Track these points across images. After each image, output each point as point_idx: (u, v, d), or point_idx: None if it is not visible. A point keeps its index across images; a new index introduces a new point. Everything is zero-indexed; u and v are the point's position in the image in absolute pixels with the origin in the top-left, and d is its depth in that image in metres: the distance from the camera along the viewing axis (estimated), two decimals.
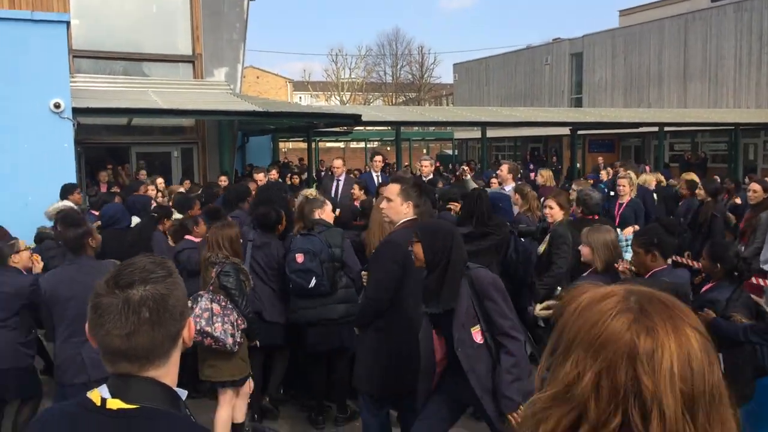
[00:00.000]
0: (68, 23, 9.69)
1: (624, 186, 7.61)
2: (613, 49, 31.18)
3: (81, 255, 4.41)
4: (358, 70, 57.62)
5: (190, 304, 4.31)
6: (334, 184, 9.34)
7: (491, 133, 25.03)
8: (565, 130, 21.58)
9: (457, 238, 3.63)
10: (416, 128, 30.54)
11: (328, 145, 42.18)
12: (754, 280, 6.56)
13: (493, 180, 9.61)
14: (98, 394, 1.45)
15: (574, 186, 8.63)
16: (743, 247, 6.84)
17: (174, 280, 1.51)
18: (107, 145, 13.84)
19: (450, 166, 26.04)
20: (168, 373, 1.50)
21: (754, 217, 6.81)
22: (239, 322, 4.71)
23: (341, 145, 42.73)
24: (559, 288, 5.40)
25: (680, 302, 1.07)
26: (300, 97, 63.31)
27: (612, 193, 8.75)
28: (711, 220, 7.19)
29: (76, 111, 9.46)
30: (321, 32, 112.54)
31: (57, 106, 9.10)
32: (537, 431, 1.03)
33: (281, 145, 29.81)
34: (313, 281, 5.01)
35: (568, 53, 33.88)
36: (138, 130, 13.76)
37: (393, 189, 4.28)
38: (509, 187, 7.83)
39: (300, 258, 5.00)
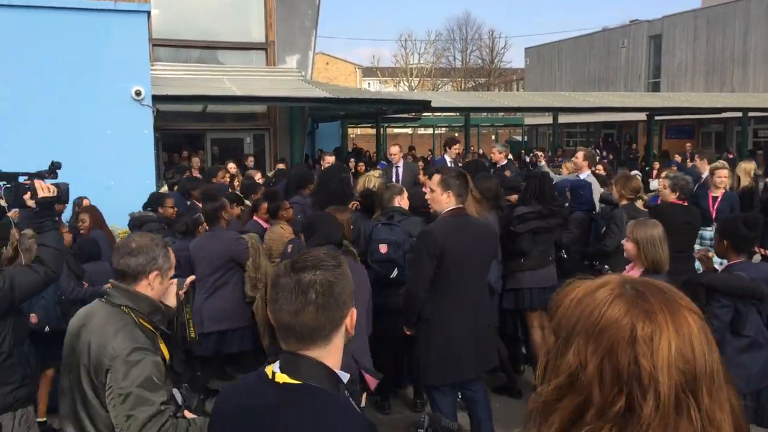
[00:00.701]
0: (149, 13, 10.03)
1: (723, 177, 7.09)
2: (695, 31, 29.84)
3: (215, 225, 5.40)
4: (427, 55, 57.44)
5: None
6: (393, 171, 9.16)
7: (563, 119, 24.45)
8: (641, 116, 20.86)
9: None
10: (485, 114, 30.17)
11: (396, 131, 42.22)
12: None
13: (565, 166, 9.37)
14: (271, 368, 1.66)
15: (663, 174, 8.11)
16: None
17: (342, 271, 1.67)
18: (183, 132, 14.30)
19: (519, 153, 25.61)
20: (330, 355, 1.65)
21: None
22: None
23: (409, 131, 42.70)
24: (606, 267, 5.43)
25: (675, 288, 1.08)
26: (369, 83, 63.53)
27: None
28: None
29: (156, 98, 9.80)
30: (390, 17, 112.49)
31: (138, 93, 9.45)
32: (545, 422, 1.04)
33: (350, 131, 30.06)
34: (396, 272, 5.00)
35: (646, 35, 32.65)
36: (212, 116, 14.15)
37: (434, 179, 4.32)
38: (585, 175, 7.57)
39: (384, 249, 4.97)
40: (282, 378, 1.61)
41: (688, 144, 20.17)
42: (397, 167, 9.23)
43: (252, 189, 7.82)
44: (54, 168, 3.53)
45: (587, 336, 1.03)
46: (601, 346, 1.01)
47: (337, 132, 18.40)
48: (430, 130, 40.68)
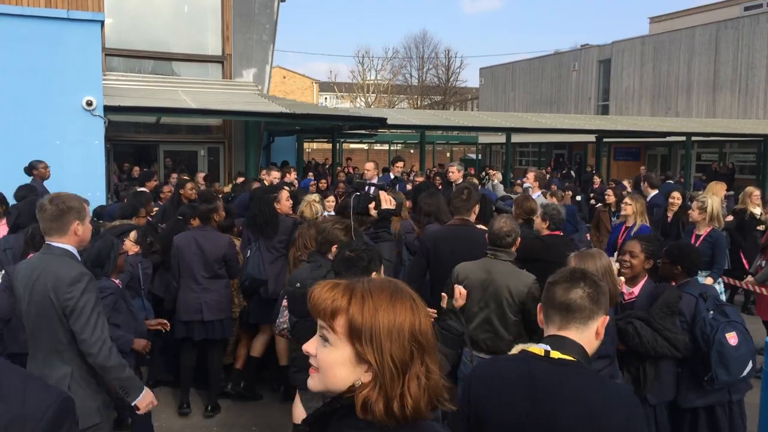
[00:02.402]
0: (102, 22, 9.90)
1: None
2: (642, 57, 30.90)
3: (206, 225, 5.79)
4: (384, 72, 57.83)
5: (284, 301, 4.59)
6: (366, 187, 9.32)
7: (516, 138, 24.97)
8: (591, 138, 21.46)
9: None
10: (440, 132, 30.57)
11: (353, 146, 42.35)
12: (765, 291, 6.52)
13: (518, 184, 9.60)
14: (538, 349, 2.12)
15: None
16: (764, 262, 6.79)
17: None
18: (136, 143, 14.09)
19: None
20: (586, 339, 2.14)
21: None
22: None
23: (365, 146, 42.86)
24: None
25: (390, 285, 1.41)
26: (325, 98, 63.63)
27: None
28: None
29: (108, 109, 9.65)
30: (349, 33, 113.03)
31: (89, 103, 9.30)
32: None
33: (306, 145, 30.04)
34: None
35: (596, 60, 33.65)
36: (166, 128, 13.98)
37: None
38: (535, 195, 7.79)
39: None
40: (556, 354, 2.09)
41: (643, 167, 20.83)
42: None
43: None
44: (382, 186, 4.08)
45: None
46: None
47: (293, 146, 18.38)
48: (386, 146, 40.93)
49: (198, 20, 14.27)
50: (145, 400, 3.38)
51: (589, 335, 2.14)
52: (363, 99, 55.55)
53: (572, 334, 2.12)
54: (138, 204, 6.64)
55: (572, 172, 26.03)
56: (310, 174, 15.51)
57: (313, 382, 1.39)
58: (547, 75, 36.40)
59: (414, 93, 56.89)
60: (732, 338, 3.89)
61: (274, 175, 8.73)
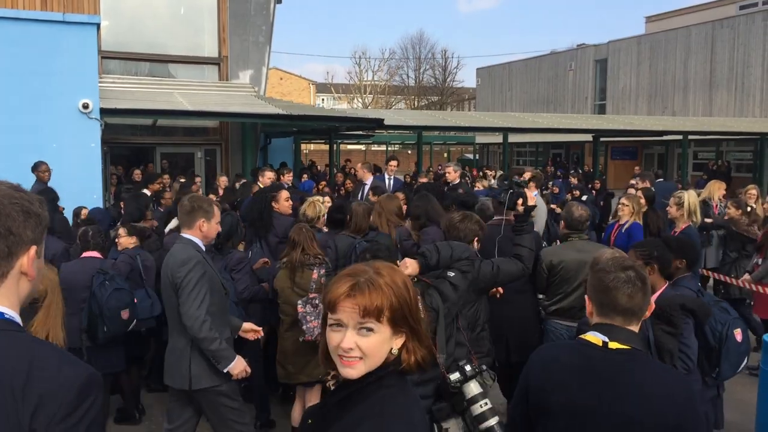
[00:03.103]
0: (98, 25, 9.90)
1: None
2: (638, 56, 30.96)
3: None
4: (381, 72, 57.88)
5: (301, 307, 4.61)
6: (361, 189, 9.23)
7: (513, 138, 25.02)
8: (588, 137, 21.48)
9: None
10: (437, 132, 30.61)
11: (350, 147, 42.39)
12: (766, 291, 6.53)
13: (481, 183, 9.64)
14: (595, 338, 2.25)
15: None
16: (760, 260, 6.80)
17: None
18: (132, 145, 14.08)
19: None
20: (636, 328, 2.28)
21: None
22: None
23: (362, 147, 42.90)
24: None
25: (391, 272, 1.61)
26: (322, 99, 63.64)
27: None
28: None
29: (104, 111, 9.65)
30: (345, 34, 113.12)
31: (85, 106, 9.31)
32: None
33: (303, 146, 30.04)
34: None
35: (593, 59, 33.71)
36: (162, 130, 13.98)
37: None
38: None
39: None
40: (615, 345, 2.21)
41: (637, 167, 20.86)
42: (365, 185, 9.21)
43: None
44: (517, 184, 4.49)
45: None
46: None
47: (290, 147, 18.39)
48: (383, 147, 40.98)
49: (194, 22, 14.27)
50: (237, 367, 3.85)
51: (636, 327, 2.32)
52: (360, 100, 55.58)
53: (633, 326, 2.28)
54: (143, 206, 6.67)
55: (579, 170, 25.95)
56: (305, 176, 15.50)
57: (357, 370, 1.56)
58: (544, 75, 36.44)
59: (411, 93, 56.94)
60: (738, 335, 3.88)
61: (268, 176, 8.71)
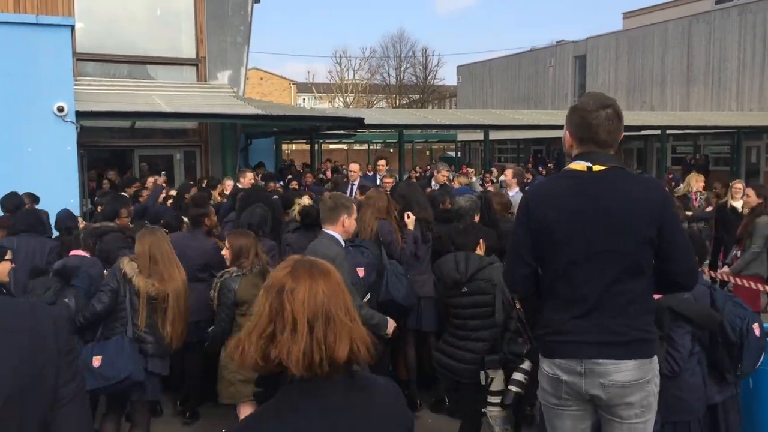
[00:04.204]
0: (73, 27, 9.77)
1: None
2: (616, 51, 31.18)
3: (196, 229, 5.89)
4: (362, 71, 57.78)
5: None
6: (349, 188, 9.00)
7: (494, 135, 25.09)
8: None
9: None
10: (419, 130, 30.62)
11: (332, 146, 42.28)
12: (746, 283, 6.60)
13: (457, 180, 9.68)
14: (580, 165, 2.65)
15: None
16: (739, 252, 6.87)
17: None
18: (110, 148, 13.93)
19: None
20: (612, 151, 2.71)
21: (750, 223, 6.84)
22: None
23: (344, 147, 42.82)
24: None
25: (324, 266, 1.67)
26: (304, 99, 63.43)
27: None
28: None
29: (80, 114, 9.54)
30: (325, 34, 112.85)
31: (60, 109, 9.19)
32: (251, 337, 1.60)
33: (285, 146, 29.90)
34: (368, 296, 4.87)
35: (572, 55, 33.89)
36: (141, 132, 13.84)
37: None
38: (513, 192, 7.70)
39: (361, 272, 4.82)
40: (597, 167, 2.62)
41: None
42: (353, 185, 8.99)
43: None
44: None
45: (265, 289, 1.63)
46: (269, 295, 1.60)
47: (271, 148, 18.30)
48: (365, 146, 40.93)
49: (171, 23, 14.15)
50: (390, 327, 4.65)
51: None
52: (341, 99, 55.46)
53: (609, 151, 2.69)
54: (119, 206, 6.60)
55: (548, 165, 26.14)
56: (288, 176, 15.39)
57: None
58: (524, 72, 36.58)
59: (392, 92, 56.91)
60: (756, 329, 3.83)
61: (249, 178, 8.63)
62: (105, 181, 11.76)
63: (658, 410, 2.84)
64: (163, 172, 11.08)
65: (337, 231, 4.19)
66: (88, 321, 4.45)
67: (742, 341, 3.78)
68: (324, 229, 4.24)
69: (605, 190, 2.60)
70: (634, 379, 2.61)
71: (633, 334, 2.61)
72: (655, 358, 2.73)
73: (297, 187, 11.17)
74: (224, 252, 4.86)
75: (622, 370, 2.60)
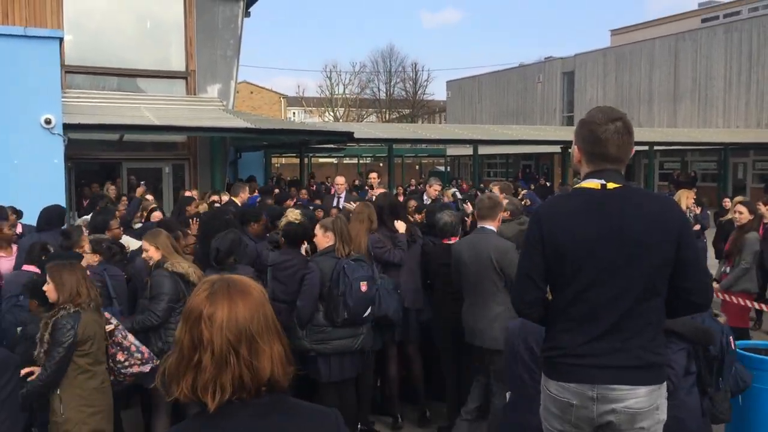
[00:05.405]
0: (61, 39, 9.72)
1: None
2: (604, 68, 31.49)
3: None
4: (352, 86, 57.93)
5: None
6: (335, 201, 8.92)
7: (483, 150, 25.19)
8: (557, 148, 21.72)
9: None
10: (409, 145, 30.71)
11: (321, 160, 42.30)
12: (734, 299, 6.61)
13: (427, 191, 9.67)
14: (593, 183, 2.56)
15: None
16: (728, 269, 6.88)
17: None
18: (98, 161, 13.82)
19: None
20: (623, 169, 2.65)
21: (739, 239, 6.86)
22: None
23: (334, 160, 42.85)
24: None
25: (243, 284, 1.56)
26: (294, 113, 63.47)
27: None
28: None
29: (67, 127, 9.46)
30: (316, 48, 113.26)
31: (48, 121, 9.11)
32: (177, 379, 1.50)
33: (274, 160, 29.87)
34: (369, 310, 4.87)
35: (560, 72, 34.18)
36: (129, 145, 13.75)
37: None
38: None
39: (365, 287, 4.81)
40: (612, 185, 2.53)
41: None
42: (339, 197, 8.91)
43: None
44: None
45: (184, 318, 1.53)
46: (187, 324, 1.50)
47: (261, 162, 18.26)
48: (355, 160, 40.97)
49: (161, 36, 14.11)
50: None
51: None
52: (331, 113, 55.55)
53: (621, 168, 2.62)
54: (108, 218, 6.49)
55: (548, 183, 26.17)
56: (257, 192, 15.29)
57: None
58: (513, 87, 36.84)
59: (382, 106, 57.08)
60: (732, 343, 3.85)
61: (246, 192, 8.58)
62: (94, 187, 11.46)
63: None
64: (142, 183, 10.79)
65: (494, 226, 4.86)
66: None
67: (723, 356, 3.79)
68: (484, 225, 4.84)
69: (622, 208, 2.50)
70: (645, 406, 2.53)
71: (649, 357, 2.53)
72: (665, 384, 2.63)
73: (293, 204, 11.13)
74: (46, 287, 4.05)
75: (636, 396, 2.51)
